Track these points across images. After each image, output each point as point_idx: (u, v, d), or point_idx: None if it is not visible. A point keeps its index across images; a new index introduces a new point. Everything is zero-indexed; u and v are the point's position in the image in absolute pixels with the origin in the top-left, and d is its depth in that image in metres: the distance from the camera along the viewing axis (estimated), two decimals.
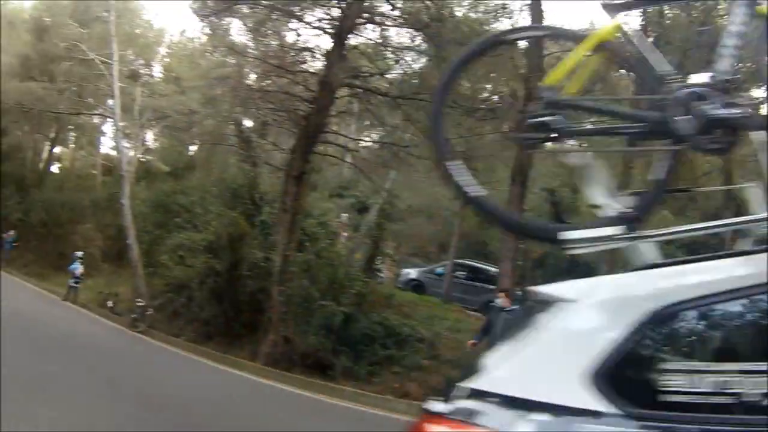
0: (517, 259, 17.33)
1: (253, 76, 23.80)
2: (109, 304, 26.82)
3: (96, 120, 48.78)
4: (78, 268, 28.07)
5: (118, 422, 8.96)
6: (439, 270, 24.42)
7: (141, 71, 43.54)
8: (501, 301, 13.31)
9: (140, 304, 24.17)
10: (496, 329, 12.62)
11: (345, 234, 25.72)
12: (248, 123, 27.00)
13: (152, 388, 12.88)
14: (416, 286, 23.97)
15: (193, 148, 51.77)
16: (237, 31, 23.75)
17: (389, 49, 19.84)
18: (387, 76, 20.15)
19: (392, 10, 19.62)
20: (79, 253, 29.40)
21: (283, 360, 17.62)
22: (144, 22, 44.06)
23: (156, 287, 25.28)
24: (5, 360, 10.82)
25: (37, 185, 43.76)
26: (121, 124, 35.45)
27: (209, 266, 21.15)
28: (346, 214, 28.95)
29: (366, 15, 19.72)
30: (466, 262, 24.75)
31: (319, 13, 20.07)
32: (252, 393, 15.17)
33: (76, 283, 27.92)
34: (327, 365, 16.72)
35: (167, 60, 47.67)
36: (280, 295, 18.26)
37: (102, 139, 51.15)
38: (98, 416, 9.10)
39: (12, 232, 35.72)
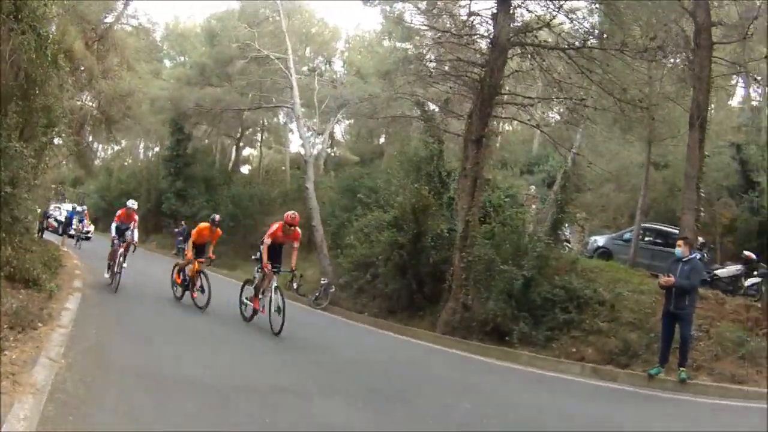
0: (699, 210, 17.06)
1: (428, 55, 25.12)
2: (294, 285, 28.74)
3: (281, 119, 52.25)
4: None
5: (312, 377, 9.94)
6: (627, 236, 24.09)
7: (321, 66, 46.41)
8: (680, 250, 13.09)
9: (323, 282, 25.90)
10: (675, 278, 12.63)
11: (534, 206, 26.24)
12: (429, 99, 28.14)
13: (332, 352, 14.14)
14: (603, 253, 23.85)
15: (380, 140, 54.30)
16: (408, 13, 25.32)
17: (554, 1, 19.95)
18: (556, 30, 20.17)
19: None
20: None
21: (461, 328, 18.21)
22: (318, 21, 46.82)
23: (341, 267, 26.79)
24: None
25: (225, 183, 47.31)
26: (302, 118, 38.12)
27: (394, 240, 22.18)
28: (534, 187, 29.47)
29: None
30: (654, 226, 24.43)
31: None
32: (427, 357, 15.85)
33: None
34: (505, 332, 16.97)
35: (345, 54, 50.51)
36: (461, 262, 18.82)
37: (290, 136, 54.58)
38: (291, 371, 10.30)
39: None
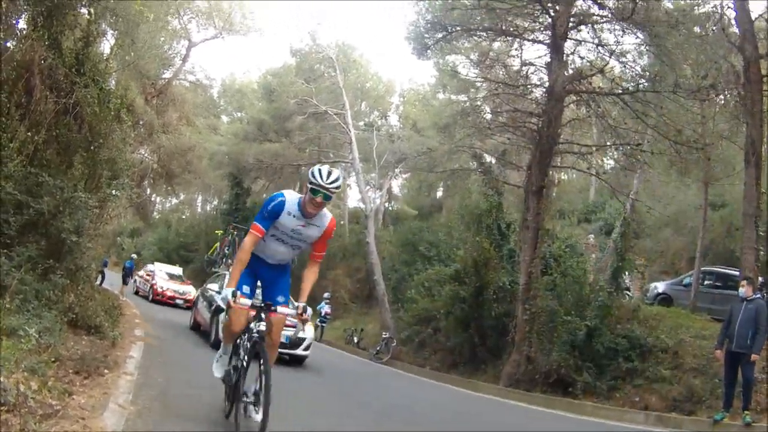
0: (758, 249, 16.65)
1: (484, 107, 25.75)
2: (355, 339, 29.36)
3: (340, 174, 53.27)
4: (325, 307, 30.53)
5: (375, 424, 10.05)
6: (687, 280, 23.98)
7: (377, 121, 47.18)
8: (743, 290, 12.97)
9: (384, 336, 26.26)
10: (735, 318, 12.68)
11: (594, 255, 26.41)
12: (486, 151, 28.70)
13: (390, 403, 13.88)
14: (664, 299, 23.67)
15: (438, 193, 54.89)
16: (462, 66, 26.08)
17: (605, 47, 20.50)
18: (610, 75, 20.81)
19: (599, 7, 20.46)
20: (327, 294, 32.31)
21: (524, 380, 18.40)
22: (372, 76, 47.46)
23: (402, 321, 27.19)
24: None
25: None
26: (361, 172, 38.91)
27: (455, 294, 22.66)
28: (593, 236, 29.69)
29: (574, 17, 20.64)
30: (713, 269, 24.08)
31: (529, 24, 21.44)
32: (490, 409, 15.68)
33: (322, 322, 30.30)
34: (569, 383, 17.17)
35: (400, 108, 51.12)
36: (523, 314, 19.14)
37: (347, 191, 55.46)
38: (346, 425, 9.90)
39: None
